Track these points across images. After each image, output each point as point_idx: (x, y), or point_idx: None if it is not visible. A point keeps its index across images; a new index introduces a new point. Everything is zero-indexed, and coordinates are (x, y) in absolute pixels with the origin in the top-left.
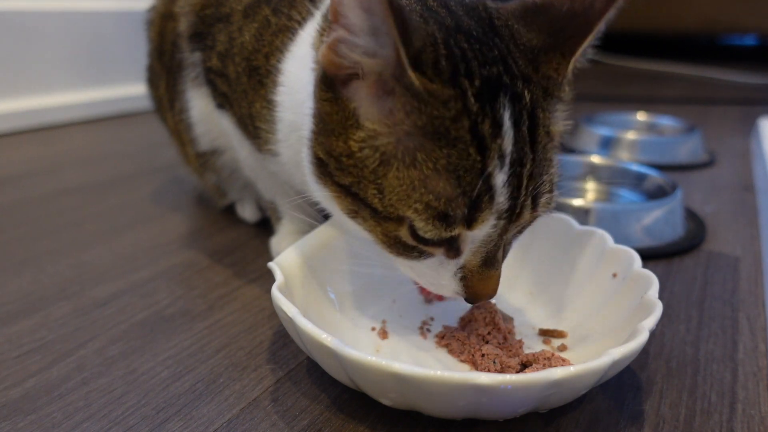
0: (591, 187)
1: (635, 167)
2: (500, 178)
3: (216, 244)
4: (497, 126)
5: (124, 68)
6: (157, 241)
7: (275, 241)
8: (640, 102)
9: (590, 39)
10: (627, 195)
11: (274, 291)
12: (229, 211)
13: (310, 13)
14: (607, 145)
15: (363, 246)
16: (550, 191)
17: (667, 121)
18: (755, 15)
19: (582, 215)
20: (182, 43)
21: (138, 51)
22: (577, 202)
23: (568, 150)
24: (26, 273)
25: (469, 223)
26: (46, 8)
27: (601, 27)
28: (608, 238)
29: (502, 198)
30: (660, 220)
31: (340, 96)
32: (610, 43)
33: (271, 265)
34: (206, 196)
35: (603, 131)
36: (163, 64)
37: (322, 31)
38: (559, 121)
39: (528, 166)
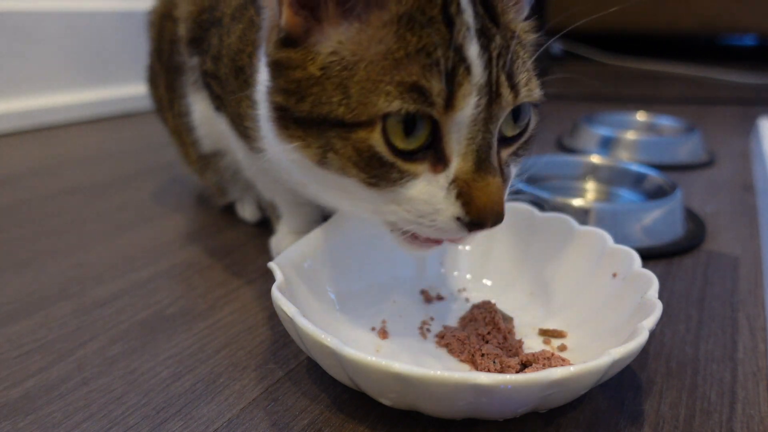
0: (591, 187)
1: (635, 167)
2: (472, 48)
3: (216, 244)
4: (458, 5)
5: (124, 68)
6: (157, 241)
7: (275, 241)
8: (640, 102)
9: None
10: (627, 195)
11: (274, 291)
12: (229, 210)
13: None
14: (606, 145)
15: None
16: (528, 75)
17: (666, 121)
18: (755, 15)
19: (582, 215)
20: (182, 48)
21: (138, 51)
22: (577, 202)
23: (568, 150)
24: (27, 273)
25: (449, 101)
26: (46, 8)
27: None
28: (608, 238)
29: (477, 69)
30: (660, 220)
31: (302, 44)
32: (610, 43)
33: (271, 265)
34: (206, 194)
35: (603, 131)
36: (162, 63)
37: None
38: (517, 15)
39: (495, 40)
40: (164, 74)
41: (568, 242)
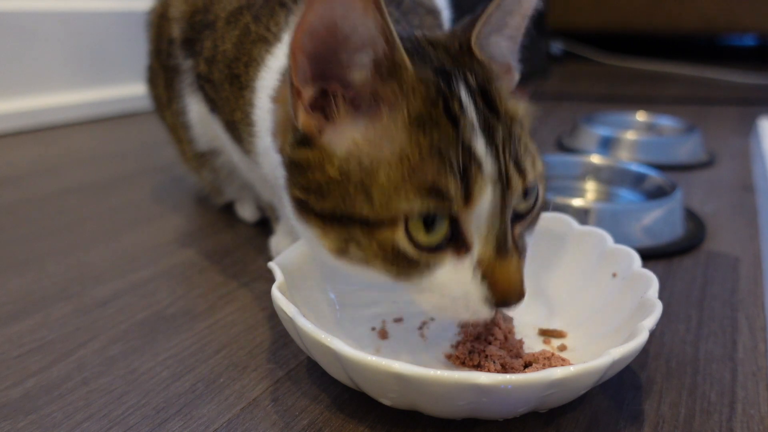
0: (591, 187)
1: (635, 167)
2: (480, 144)
3: (216, 244)
4: (461, 103)
5: (124, 68)
6: (157, 241)
7: (275, 241)
8: (640, 102)
9: (482, 22)
10: (627, 195)
11: (274, 291)
12: (229, 210)
13: (282, 32)
14: (606, 145)
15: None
16: (532, 157)
17: (666, 121)
18: (755, 15)
19: (582, 215)
20: (176, 49)
21: (138, 51)
22: (577, 202)
23: (568, 150)
24: (27, 273)
25: (467, 197)
26: (46, 8)
27: (496, 13)
28: (608, 238)
29: (488, 163)
30: (660, 220)
31: (317, 144)
32: (610, 43)
33: (271, 265)
34: (204, 193)
35: (603, 131)
36: (160, 63)
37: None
38: (513, 99)
39: (500, 132)
40: (163, 73)
41: (568, 242)
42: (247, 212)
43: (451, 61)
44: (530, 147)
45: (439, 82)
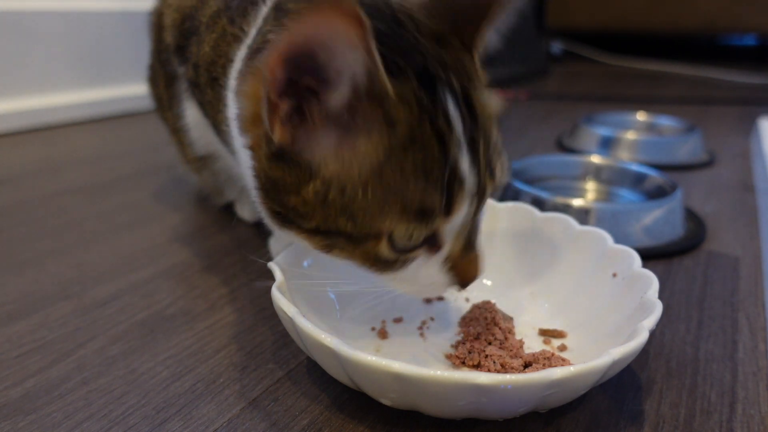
0: (591, 187)
1: (635, 167)
2: (464, 161)
3: (216, 244)
4: (446, 115)
5: (124, 68)
6: (157, 241)
7: (274, 241)
8: (640, 102)
9: (488, 26)
10: (627, 195)
11: (274, 291)
12: (229, 210)
13: (250, 29)
14: (607, 145)
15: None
16: (502, 163)
17: (667, 121)
18: (755, 15)
19: (582, 215)
20: (171, 56)
21: (139, 51)
22: (577, 202)
23: (568, 150)
24: (26, 273)
25: (448, 211)
26: (46, 8)
27: (501, 13)
28: (608, 238)
29: (471, 179)
30: (660, 219)
31: (290, 158)
32: (610, 43)
33: (271, 265)
34: (204, 193)
35: (603, 131)
36: (161, 64)
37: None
38: (490, 98)
39: (481, 143)
40: (163, 75)
41: (568, 242)
42: (246, 212)
43: (437, 56)
44: (499, 146)
45: (423, 98)
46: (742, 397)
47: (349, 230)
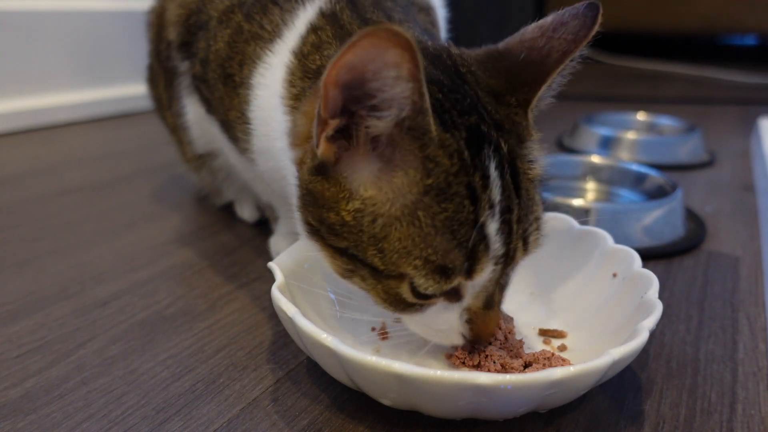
0: (591, 187)
1: (635, 167)
2: (493, 227)
3: (216, 244)
4: (485, 177)
5: (124, 68)
6: (157, 241)
7: (274, 241)
8: (640, 102)
9: (545, 88)
10: (627, 195)
11: (274, 291)
12: (229, 210)
13: (280, 29)
14: (607, 145)
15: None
16: (538, 229)
17: (667, 121)
18: (755, 15)
19: (582, 215)
20: (173, 52)
21: (138, 51)
22: (577, 202)
23: (568, 150)
24: (26, 273)
25: (469, 273)
26: (46, 8)
27: (556, 78)
28: (608, 238)
29: (497, 245)
30: (660, 220)
31: (331, 175)
32: (610, 43)
33: (271, 265)
34: (204, 193)
35: (603, 131)
36: (160, 63)
37: (297, 93)
38: (536, 162)
39: (516, 212)
40: (163, 74)
41: (568, 242)
42: (246, 212)
43: (493, 115)
44: (538, 211)
45: (464, 152)
46: (742, 397)
47: (376, 264)
